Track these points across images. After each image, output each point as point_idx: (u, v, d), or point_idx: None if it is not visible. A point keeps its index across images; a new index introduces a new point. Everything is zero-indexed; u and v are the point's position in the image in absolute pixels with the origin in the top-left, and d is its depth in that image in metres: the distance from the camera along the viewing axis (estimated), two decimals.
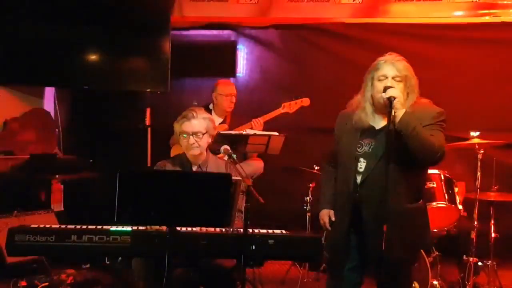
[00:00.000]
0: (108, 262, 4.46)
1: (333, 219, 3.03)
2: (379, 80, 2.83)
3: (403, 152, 2.74)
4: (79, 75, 5.06)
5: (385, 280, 2.77)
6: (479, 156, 4.06)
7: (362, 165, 2.87)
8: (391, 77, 2.81)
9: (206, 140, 3.36)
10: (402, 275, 2.91)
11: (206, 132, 3.35)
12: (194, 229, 2.95)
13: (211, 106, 4.82)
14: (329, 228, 3.06)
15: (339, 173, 3.01)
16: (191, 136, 3.31)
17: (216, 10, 5.49)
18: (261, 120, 4.65)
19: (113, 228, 2.93)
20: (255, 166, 4.63)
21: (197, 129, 3.31)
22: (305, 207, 4.55)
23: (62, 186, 5.16)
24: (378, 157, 2.82)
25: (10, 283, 3.90)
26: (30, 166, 4.69)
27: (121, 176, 2.61)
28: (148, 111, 5.47)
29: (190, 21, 5.54)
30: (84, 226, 2.97)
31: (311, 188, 4.53)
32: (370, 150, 2.87)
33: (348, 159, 2.92)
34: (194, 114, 3.34)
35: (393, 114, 2.72)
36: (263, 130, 4.58)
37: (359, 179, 2.87)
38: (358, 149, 2.89)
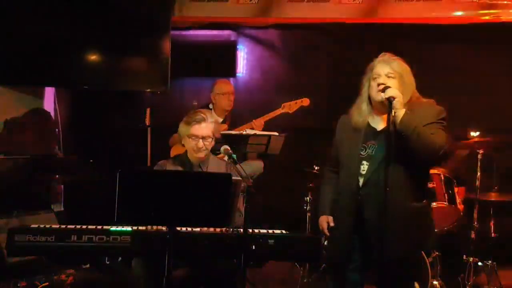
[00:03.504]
0: (108, 262, 4.46)
1: (331, 224, 3.04)
2: (374, 78, 2.86)
3: (405, 153, 2.74)
4: (79, 75, 5.05)
5: (387, 281, 2.76)
6: (479, 156, 4.06)
7: (365, 167, 2.88)
8: (384, 74, 2.83)
9: (212, 144, 3.39)
10: (404, 276, 2.90)
11: (213, 135, 3.36)
12: (194, 229, 2.95)
13: (210, 106, 4.83)
14: (328, 234, 3.07)
15: (341, 176, 3.01)
16: (200, 140, 3.31)
17: (216, 10, 5.49)
18: (261, 120, 4.66)
19: (113, 228, 2.93)
20: (255, 166, 4.63)
21: (206, 133, 3.32)
22: (305, 207, 4.55)
23: (62, 186, 5.16)
24: (381, 158, 2.82)
25: (10, 283, 3.90)
26: (30, 166, 4.69)
27: (121, 176, 2.61)
28: (148, 111, 5.47)
29: (190, 21, 5.54)
30: (84, 226, 2.97)
31: (311, 188, 4.53)
32: (373, 152, 2.87)
33: (351, 162, 2.92)
34: (204, 117, 3.34)
35: (393, 114, 2.72)
36: (263, 130, 4.59)
37: (361, 181, 2.88)
38: (361, 152, 2.90)
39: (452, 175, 4.24)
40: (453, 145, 4.19)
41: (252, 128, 4.60)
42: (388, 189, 2.65)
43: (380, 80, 2.81)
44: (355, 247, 2.93)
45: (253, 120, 4.66)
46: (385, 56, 2.90)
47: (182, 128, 3.38)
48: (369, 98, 2.90)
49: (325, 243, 3.39)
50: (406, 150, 2.73)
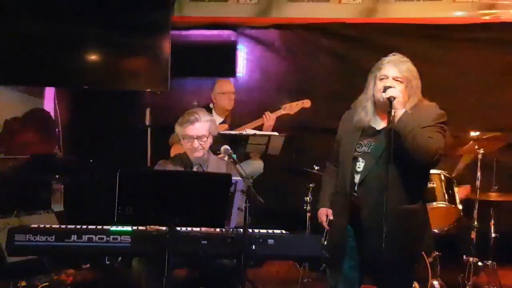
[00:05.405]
0: (108, 262, 4.46)
1: (330, 217, 3.04)
2: (380, 79, 2.84)
3: (402, 153, 2.74)
4: (79, 75, 5.05)
5: (385, 281, 2.76)
6: (479, 156, 4.06)
7: (360, 165, 2.88)
8: (392, 77, 2.82)
9: (209, 142, 3.38)
10: (401, 276, 2.90)
11: (209, 134, 3.36)
12: (194, 229, 2.95)
13: (211, 106, 4.84)
14: (327, 226, 3.07)
15: (339, 173, 3.02)
16: (195, 140, 3.31)
17: (216, 10, 5.49)
18: (273, 115, 4.66)
19: (113, 228, 2.93)
20: (255, 166, 4.63)
21: (201, 133, 3.32)
22: (305, 207, 4.55)
23: (62, 186, 5.16)
24: (377, 157, 2.82)
25: (10, 283, 3.90)
26: (30, 166, 4.69)
27: (121, 176, 2.61)
28: (148, 111, 5.47)
29: (190, 21, 5.54)
30: (84, 226, 2.97)
31: (311, 188, 4.52)
32: (369, 150, 2.87)
33: (347, 158, 2.92)
34: (197, 117, 3.33)
35: (392, 114, 2.72)
36: (274, 125, 4.62)
37: (357, 178, 2.88)
38: (357, 149, 2.90)
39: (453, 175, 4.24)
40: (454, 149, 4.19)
41: (264, 123, 4.61)
42: (386, 188, 2.65)
43: (387, 84, 2.79)
44: (352, 245, 2.93)
45: (265, 113, 4.66)
46: (394, 57, 2.87)
47: (177, 129, 3.39)
48: (373, 96, 2.89)
49: (325, 243, 3.38)
50: (402, 150, 2.73)
